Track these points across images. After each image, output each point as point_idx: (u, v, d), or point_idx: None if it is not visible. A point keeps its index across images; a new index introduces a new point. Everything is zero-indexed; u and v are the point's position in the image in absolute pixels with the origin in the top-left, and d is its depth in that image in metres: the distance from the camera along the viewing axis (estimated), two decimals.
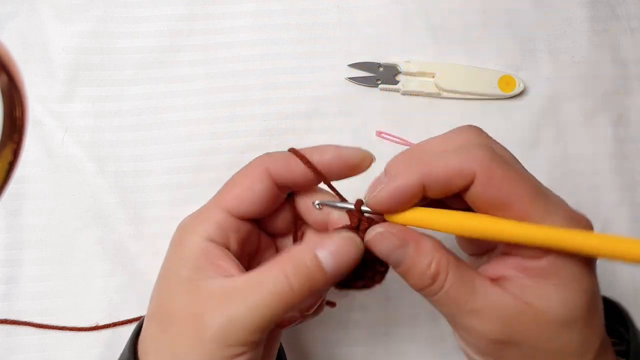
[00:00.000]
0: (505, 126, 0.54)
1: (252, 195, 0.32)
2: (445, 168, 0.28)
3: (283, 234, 0.36)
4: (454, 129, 0.31)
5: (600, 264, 0.51)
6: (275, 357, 0.36)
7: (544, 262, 0.28)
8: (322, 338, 0.49)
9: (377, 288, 0.50)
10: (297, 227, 0.34)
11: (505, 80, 0.54)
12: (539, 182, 0.29)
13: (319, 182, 0.33)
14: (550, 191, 0.29)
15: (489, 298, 0.28)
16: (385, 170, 0.30)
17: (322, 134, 0.53)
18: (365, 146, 0.53)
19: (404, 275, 0.30)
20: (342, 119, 0.53)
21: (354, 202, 0.31)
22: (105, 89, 0.53)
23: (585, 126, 0.54)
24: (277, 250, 0.37)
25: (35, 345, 0.47)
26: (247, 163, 0.34)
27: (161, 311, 0.31)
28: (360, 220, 0.31)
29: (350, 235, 0.30)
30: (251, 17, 0.55)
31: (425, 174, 0.28)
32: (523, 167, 0.30)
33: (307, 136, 0.53)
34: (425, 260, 0.28)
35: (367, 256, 0.30)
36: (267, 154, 0.33)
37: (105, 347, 0.47)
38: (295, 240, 0.35)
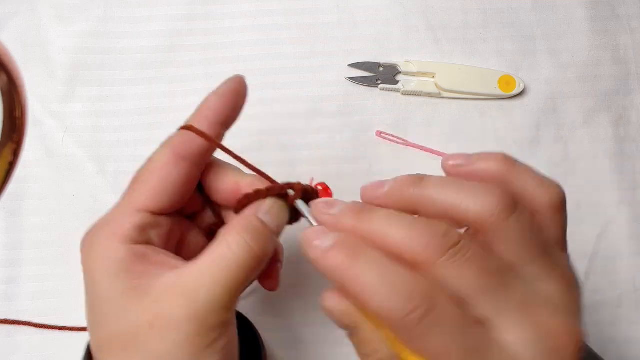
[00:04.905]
0: (505, 126, 0.54)
1: (167, 188, 0.31)
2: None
3: (196, 213, 0.36)
4: (475, 184, 0.28)
5: (600, 264, 0.52)
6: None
7: None
8: (322, 338, 0.49)
9: None
10: (208, 203, 0.35)
11: (505, 80, 0.54)
12: None
13: (214, 144, 0.32)
14: None
15: None
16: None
17: (322, 134, 0.53)
18: (365, 146, 0.53)
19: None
20: (342, 119, 0.53)
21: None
22: (105, 89, 0.53)
23: (585, 126, 0.54)
24: (200, 229, 0.36)
25: (35, 345, 0.47)
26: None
27: (113, 337, 0.29)
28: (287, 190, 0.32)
29: (275, 199, 0.32)
30: (251, 17, 0.55)
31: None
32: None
33: (307, 136, 0.53)
34: (368, 348, 0.27)
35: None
36: (166, 140, 0.32)
37: None
38: (215, 214, 0.35)
